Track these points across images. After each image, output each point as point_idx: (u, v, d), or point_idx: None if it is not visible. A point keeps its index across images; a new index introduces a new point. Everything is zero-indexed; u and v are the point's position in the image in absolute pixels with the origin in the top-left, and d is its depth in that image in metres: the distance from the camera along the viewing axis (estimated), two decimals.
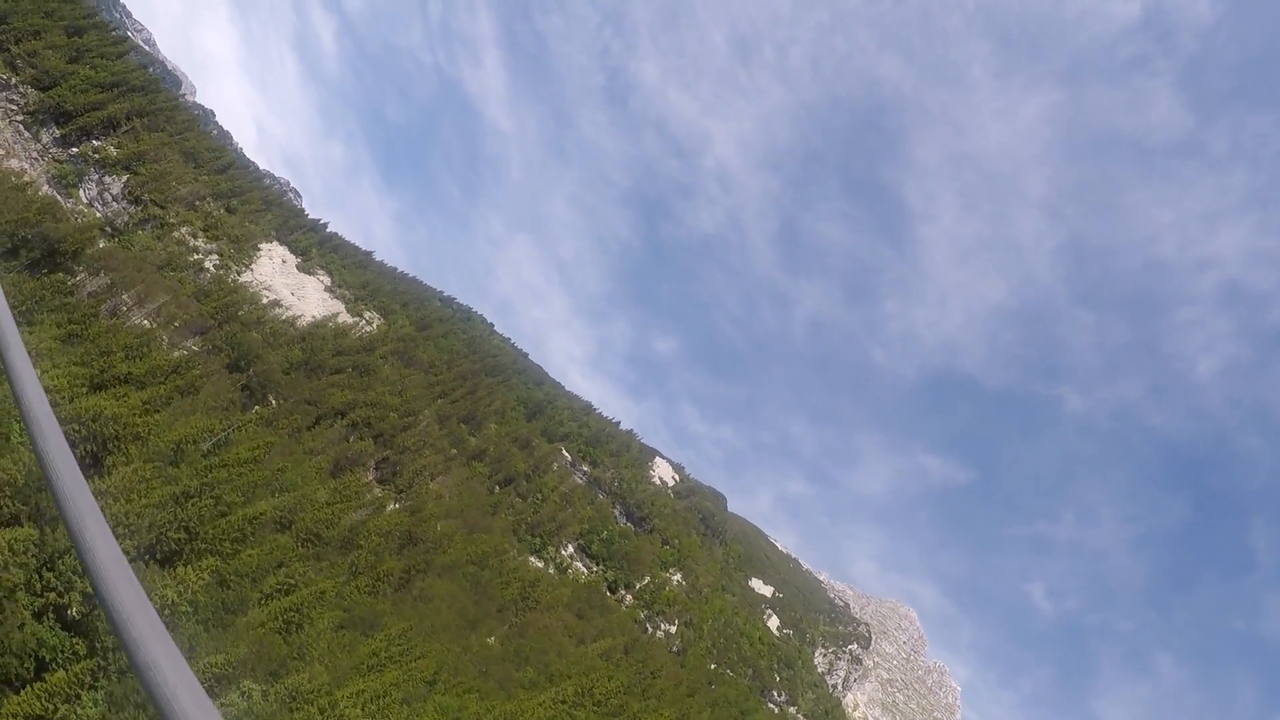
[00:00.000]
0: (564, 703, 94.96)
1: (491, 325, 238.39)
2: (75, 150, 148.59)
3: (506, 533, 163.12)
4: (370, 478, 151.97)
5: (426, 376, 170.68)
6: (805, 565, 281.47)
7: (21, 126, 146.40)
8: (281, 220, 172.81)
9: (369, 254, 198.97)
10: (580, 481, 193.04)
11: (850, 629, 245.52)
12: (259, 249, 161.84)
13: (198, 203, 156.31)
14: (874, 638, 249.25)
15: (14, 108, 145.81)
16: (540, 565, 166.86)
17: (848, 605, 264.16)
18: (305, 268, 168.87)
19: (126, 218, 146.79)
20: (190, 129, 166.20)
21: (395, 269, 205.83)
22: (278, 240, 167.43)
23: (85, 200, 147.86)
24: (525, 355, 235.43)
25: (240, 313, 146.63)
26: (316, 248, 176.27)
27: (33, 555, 47.35)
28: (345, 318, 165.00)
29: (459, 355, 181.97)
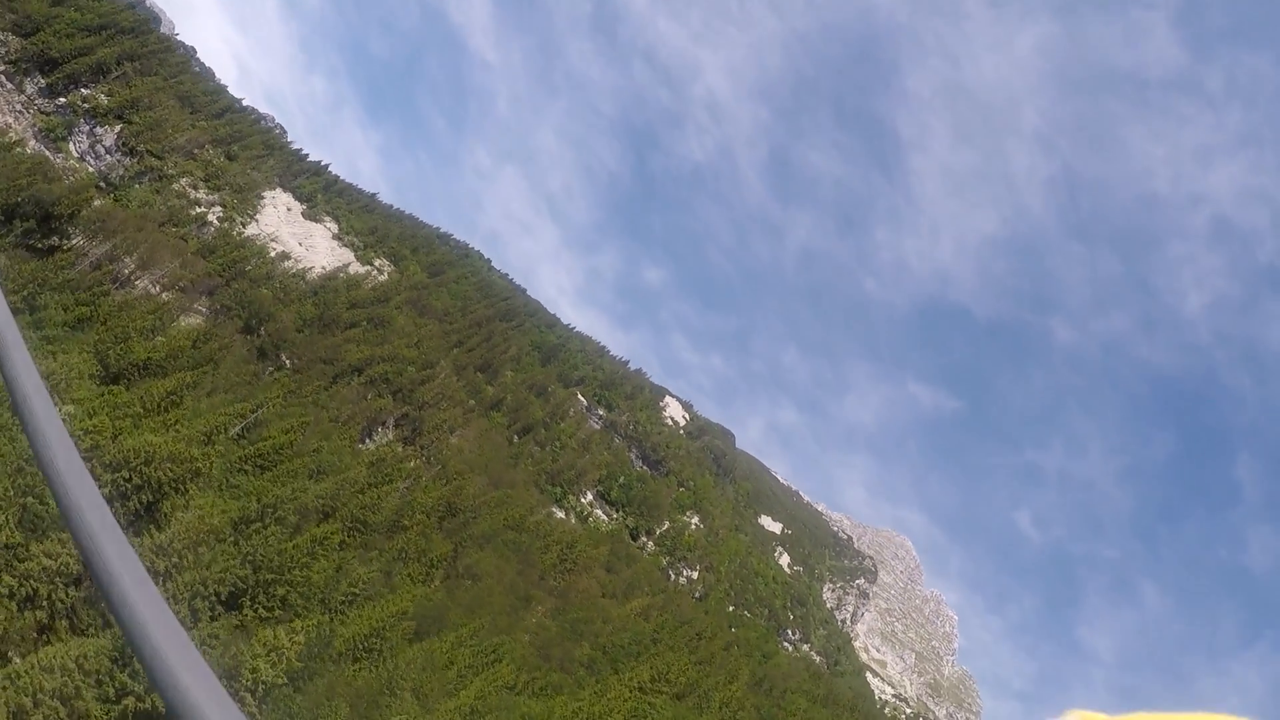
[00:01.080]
0: (642, 691, 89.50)
1: (489, 261, 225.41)
2: (63, 100, 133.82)
3: (529, 485, 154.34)
4: (390, 435, 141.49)
5: (441, 325, 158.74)
6: (805, 497, 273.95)
7: (3, 77, 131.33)
8: (284, 165, 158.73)
9: (373, 196, 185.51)
10: (596, 426, 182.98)
11: (855, 563, 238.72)
12: (262, 197, 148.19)
13: (196, 151, 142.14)
14: (878, 571, 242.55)
15: None
16: (562, 515, 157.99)
17: (850, 538, 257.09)
18: (311, 215, 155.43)
19: (122, 171, 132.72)
20: (184, 71, 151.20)
21: (400, 210, 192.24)
22: (281, 187, 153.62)
23: (76, 154, 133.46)
24: (524, 291, 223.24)
25: (248, 268, 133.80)
26: (321, 193, 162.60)
27: (106, 658, 36.64)
28: (356, 267, 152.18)
29: (472, 301, 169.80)
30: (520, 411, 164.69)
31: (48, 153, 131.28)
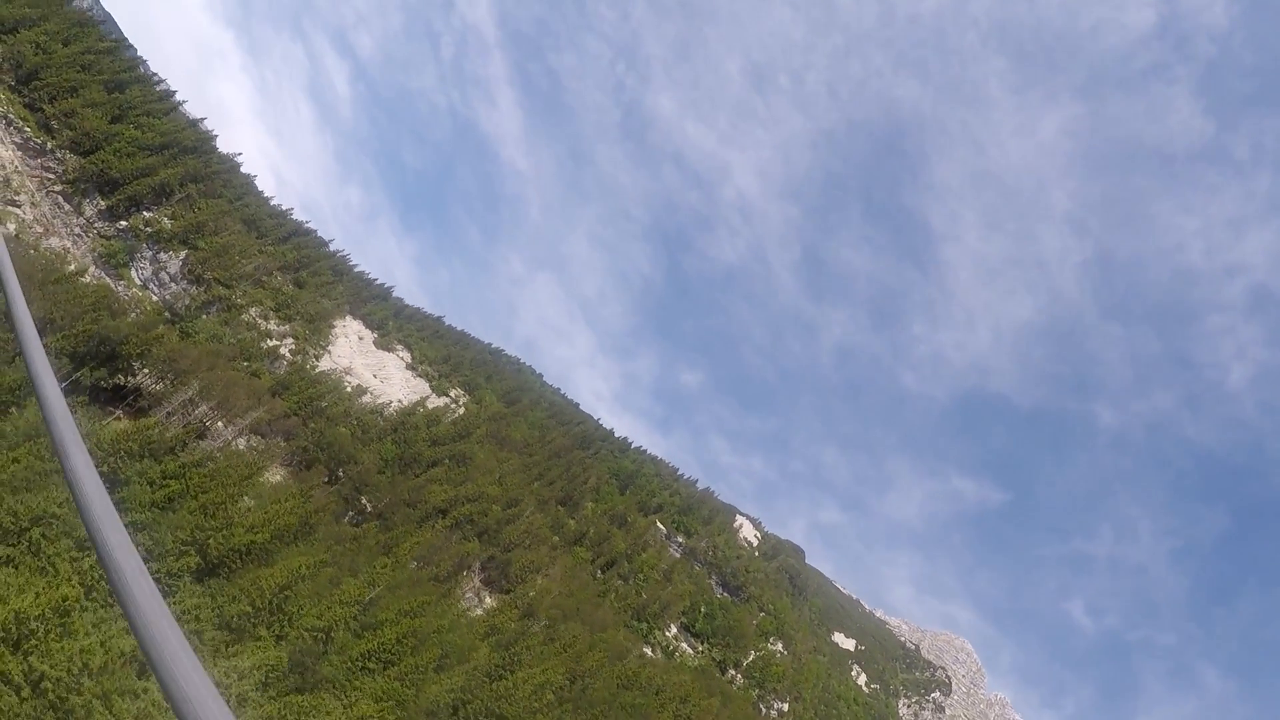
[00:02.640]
0: None
1: (540, 376, 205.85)
2: (124, 224, 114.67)
3: (619, 625, 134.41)
4: (478, 581, 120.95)
5: (522, 458, 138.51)
6: (865, 604, 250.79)
7: (61, 198, 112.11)
8: (353, 291, 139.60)
9: (440, 319, 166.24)
10: (676, 555, 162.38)
11: (927, 674, 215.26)
12: (333, 326, 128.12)
13: (264, 278, 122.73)
14: (951, 682, 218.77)
15: (51, 176, 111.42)
16: (650, 653, 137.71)
17: (917, 647, 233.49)
18: (383, 344, 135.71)
19: (188, 301, 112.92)
20: (248, 193, 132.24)
21: (466, 333, 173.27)
22: (351, 314, 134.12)
23: (139, 281, 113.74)
24: (576, 405, 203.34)
25: (324, 404, 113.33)
26: (392, 319, 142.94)
27: None
28: (433, 400, 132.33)
29: (549, 430, 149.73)
30: (603, 545, 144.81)
31: (109, 280, 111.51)
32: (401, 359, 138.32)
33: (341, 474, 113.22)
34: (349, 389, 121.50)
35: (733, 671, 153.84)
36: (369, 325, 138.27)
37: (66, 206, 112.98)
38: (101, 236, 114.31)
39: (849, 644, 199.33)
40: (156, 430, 71.66)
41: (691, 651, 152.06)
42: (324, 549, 79.94)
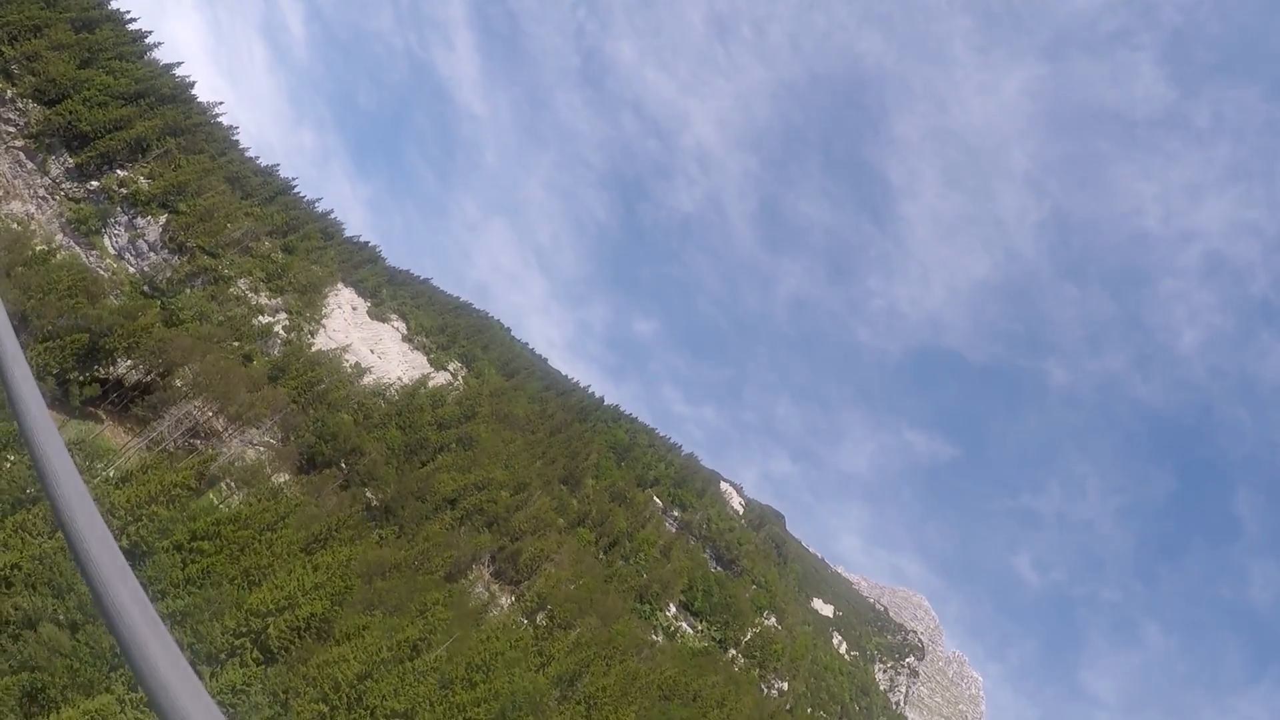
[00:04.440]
0: None
1: (509, 330, 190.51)
2: (95, 184, 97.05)
3: (630, 615, 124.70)
4: (487, 574, 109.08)
5: (525, 436, 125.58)
6: (829, 562, 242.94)
7: (23, 155, 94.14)
8: (344, 256, 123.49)
9: (427, 282, 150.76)
10: (672, 529, 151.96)
11: (900, 638, 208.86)
12: (326, 296, 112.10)
13: (252, 244, 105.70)
14: (924, 646, 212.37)
15: (11, 130, 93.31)
16: (655, 638, 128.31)
17: (886, 609, 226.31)
18: (377, 314, 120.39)
19: (169, 272, 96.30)
20: (231, 147, 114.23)
21: (452, 295, 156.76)
22: (343, 281, 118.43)
23: (113, 250, 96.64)
24: (545, 361, 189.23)
25: (324, 387, 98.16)
26: (385, 286, 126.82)
27: None
28: (434, 376, 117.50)
29: (548, 403, 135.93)
30: (605, 524, 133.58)
31: (79, 249, 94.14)
32: (397, 330, 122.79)
33: (345, 465, 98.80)
34: (348, 368, 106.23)
35: (733, 651, 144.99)
36: (361, 294, 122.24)
37: (29, 164, 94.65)
38: (70, 199, 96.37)
39: (827, 610, 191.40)
40: (170, 470, 56.47)
41: (692, 632, 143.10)
42: (367, 589, 65.94)
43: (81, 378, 74.91)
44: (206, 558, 48.96)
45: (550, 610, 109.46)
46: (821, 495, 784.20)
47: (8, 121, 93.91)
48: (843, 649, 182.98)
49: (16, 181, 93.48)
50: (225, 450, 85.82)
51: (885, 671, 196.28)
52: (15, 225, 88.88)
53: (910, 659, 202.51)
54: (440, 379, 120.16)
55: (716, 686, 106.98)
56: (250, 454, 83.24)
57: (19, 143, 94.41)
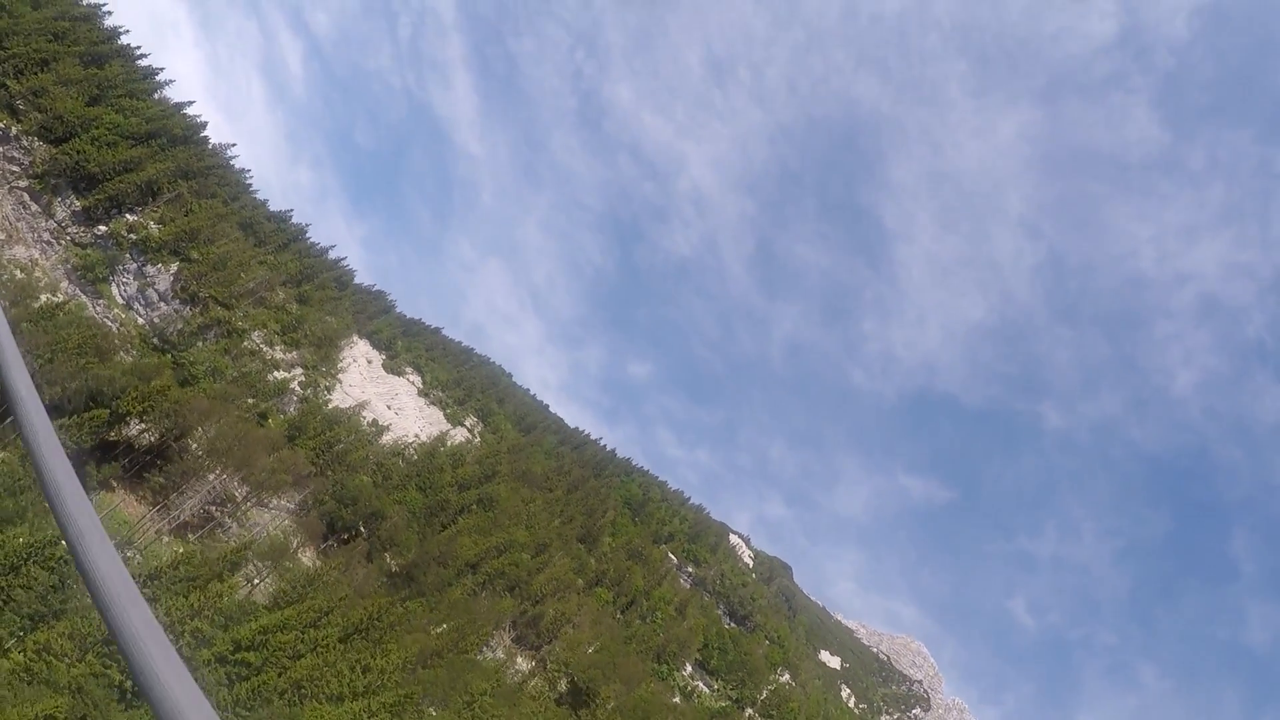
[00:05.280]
0: None
1: (510, 376, 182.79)
2: (103, 229, 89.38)
3: (650, 678, 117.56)
4: (508, 640, 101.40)
5: (543, 494, 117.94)
6: (829, 610, 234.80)
7: (27, 196, 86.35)
8: (358, 306, 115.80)
9: (438, 331, 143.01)
10: (686, 584, 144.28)
11: (904, 688, 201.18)
12: (342, 350, 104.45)
13: (266, 294, 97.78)
14: (930, 697, 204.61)
15: (16, 169, 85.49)
16: (674, 700, 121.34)
17: (889, 658, 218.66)
18: (393, 367, 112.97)
19: (180, 324, 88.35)
20: (243, 192, 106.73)
21: (461, 344, 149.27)
22: (358, 333, 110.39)
23: (121, 300, 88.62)
24: (547, 408, 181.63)
25: (340, 446, 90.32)
26: (400, 339, 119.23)
27: None
28: (452, 433, 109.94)
29: (564, 458, 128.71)
30: (622, 583, 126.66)
31: (85, 298, 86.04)
32: (412, 384, 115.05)
33: (365, 529, 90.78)
34: (366, 426, 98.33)
35: (750, 711, 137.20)
36: (376, 346, 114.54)
37: (34, 206, 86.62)
38: (76, 244, 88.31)
39: (834, 662, 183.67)
40: (199, 556, 48.55)
41: (708, 691, 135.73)
42: (411, 680, 57.88)
43: (100, 456, 66.75)
44: (254, 673, 41.13)
45: (573, 677, 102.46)
46: (816, 539, 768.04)
47: (12, 160, 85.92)
48: (851, 702, 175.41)
49: (20, 224, 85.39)
50: (245, 520, 77.67)
51: None
52: (19, 272, 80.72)
53: (916, 710, 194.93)
54: (458, 435, 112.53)
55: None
56: (272, 525, 75.13)
57: (23, 183, 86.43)
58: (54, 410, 61.32)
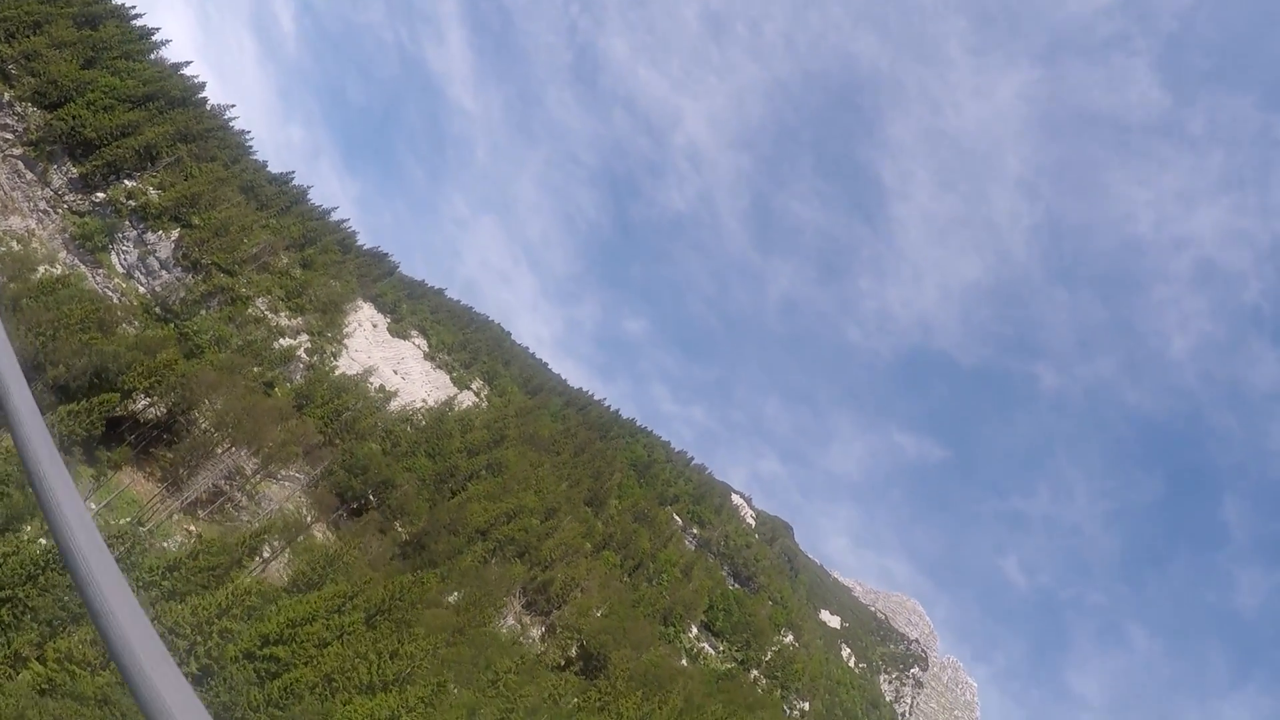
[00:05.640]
0: None
1: (509, 334, 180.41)
2: (101, 196, 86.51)
3: (657, 640, 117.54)
4: (519, 605, 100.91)
5: (550, 457, 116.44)
6: (828, 570, 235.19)
7: (21, 164, 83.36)
8: (362, 269, 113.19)
9: (442, 292, 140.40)
10: (691, 546, 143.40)
11: (902, 647, 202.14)
12: (347, 314, 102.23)
13: (269, 259, 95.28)
14: (928, 656, 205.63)
15: (9, 136, 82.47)
16: (682, 663, 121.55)
17: (887, 617, 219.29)
18: (398, 330, 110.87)
19: (183, 293, 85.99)
20: (244, 154, 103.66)
21: (461, 304, 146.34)
22: (362, 297, 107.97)
23: (121, 269, 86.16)
24: (546, 366, 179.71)
25: (349, 414, 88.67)
26: (405, 301, 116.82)
27: None
28: (459, 398, 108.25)
29: (570, 420, 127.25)
30: (629, 545, 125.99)
31: (84, 268, 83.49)
32: (418, 347, 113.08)
33: (374, 497, 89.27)
34: (373, 393, 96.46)
35: (755, 672, 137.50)
36: (381, 309, 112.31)
37: (29, 174, 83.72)
38: (73, 212, 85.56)
39: (834, 622, 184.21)
40: (218, 544, 46.87)
41: (714, 652, 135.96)
42: (436, 661, 56.55)
43: (107, 434, 64.73)
44: (284, 669, 39.58)
45: (583, 642, 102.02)
46: (810, 496, 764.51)
47: (5, 127, 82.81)
48: (851, 661, 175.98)
49: (15, 194, 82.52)
50: (255, 494, 76.02)
51: (890, 683, 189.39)
52: (15, 244, 78.08)
53: (915, 669, 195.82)
54: (465, 399, 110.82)
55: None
56: (284, 499, 73.51)
57: (17, 150, 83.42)
58: (61, 392, 59.30)
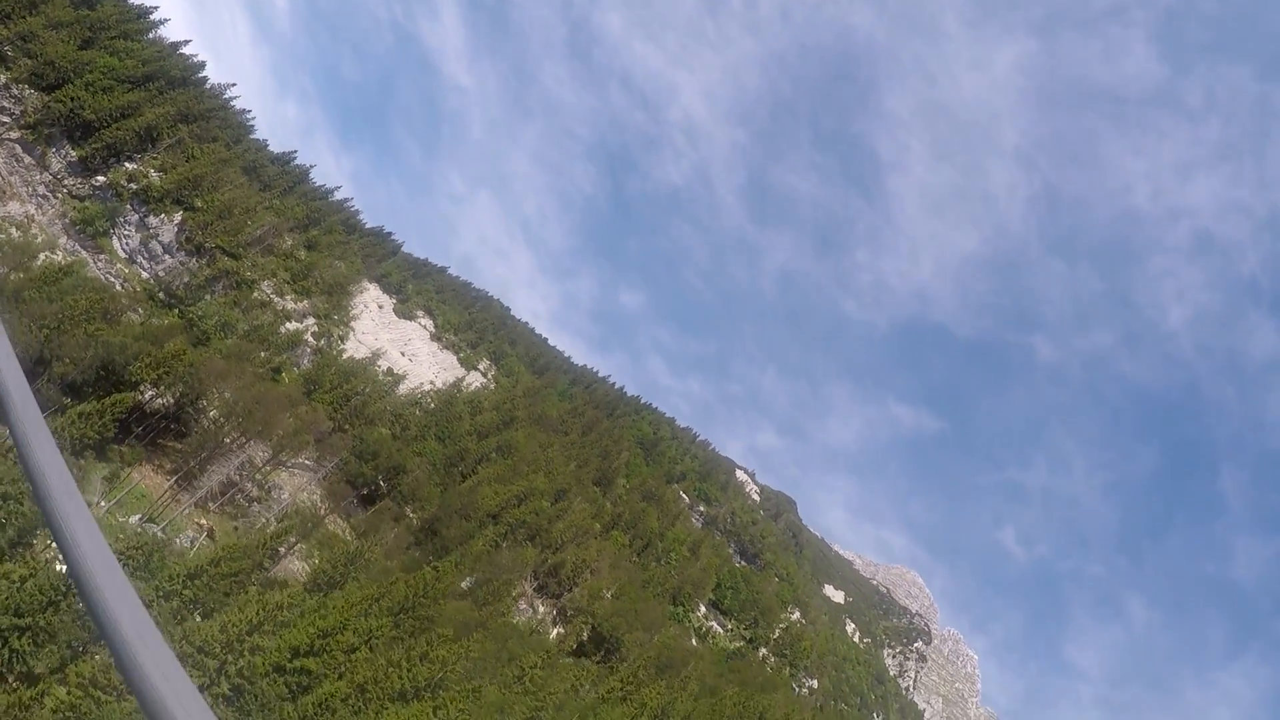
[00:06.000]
0: None
1: (508, 309, 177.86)
2: (102, 180, 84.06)
3: (668, 620, 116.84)
4: (529, 589, 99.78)
5: (559, 437, 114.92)
6: (829, 543, 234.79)
7: (19, 147, 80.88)
8: (366, 249, 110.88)
9: (445, 271, 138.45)
10: (698, 524, 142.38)
11: (905, 621, 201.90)
12: (353, 295, 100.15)
13: (274, 241, 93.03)
14: (930, 630, 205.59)
15: (6, 120, 79.92)
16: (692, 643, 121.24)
17: (889, 590, 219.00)
18: (404, 311, 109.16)
19: (187, 277, 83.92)
20: (245, 134, 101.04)
21: (468, 283, 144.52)
22: (367, 278, 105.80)
23: (123, 254, 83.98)
24: (534, 333, 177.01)
25: (356, 398, 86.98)
26: (411, 282, 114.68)
27: None
28: (466, 378, 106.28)
29: (576, 398, 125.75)
30: (638, 525, 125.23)
31: (85, 253, 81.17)
32: (424, 328, 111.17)
33: (385, 483, 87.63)
34: (381, 375, 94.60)
35: (764, 650, 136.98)
36: (387, 290, 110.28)
37: (27, 158, 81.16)
38: (74, 196, 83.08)
39: (838, 596, 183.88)
40: (238, 548, 45.12)
41: (722, 631, 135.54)
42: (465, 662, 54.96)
43: (118, 429, 62.73)
44: (316, 681, 37.88)
45: (595, 625, 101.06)
46: (808, 468, 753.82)
47: (2, 110, 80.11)
48: (855, 636, 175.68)
49: (13, 178, 79.99)
50: (266, 483, 74.22)
51: (894, 657, 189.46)
52: (15, 230, 75.69)
53: (918, 643, 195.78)
54: (472, 379, 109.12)
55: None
56: (296, 490, 71.81)
57: (14, 134, 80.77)
58: (69, 389, 57.23)
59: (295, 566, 61.03)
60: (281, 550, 54.37)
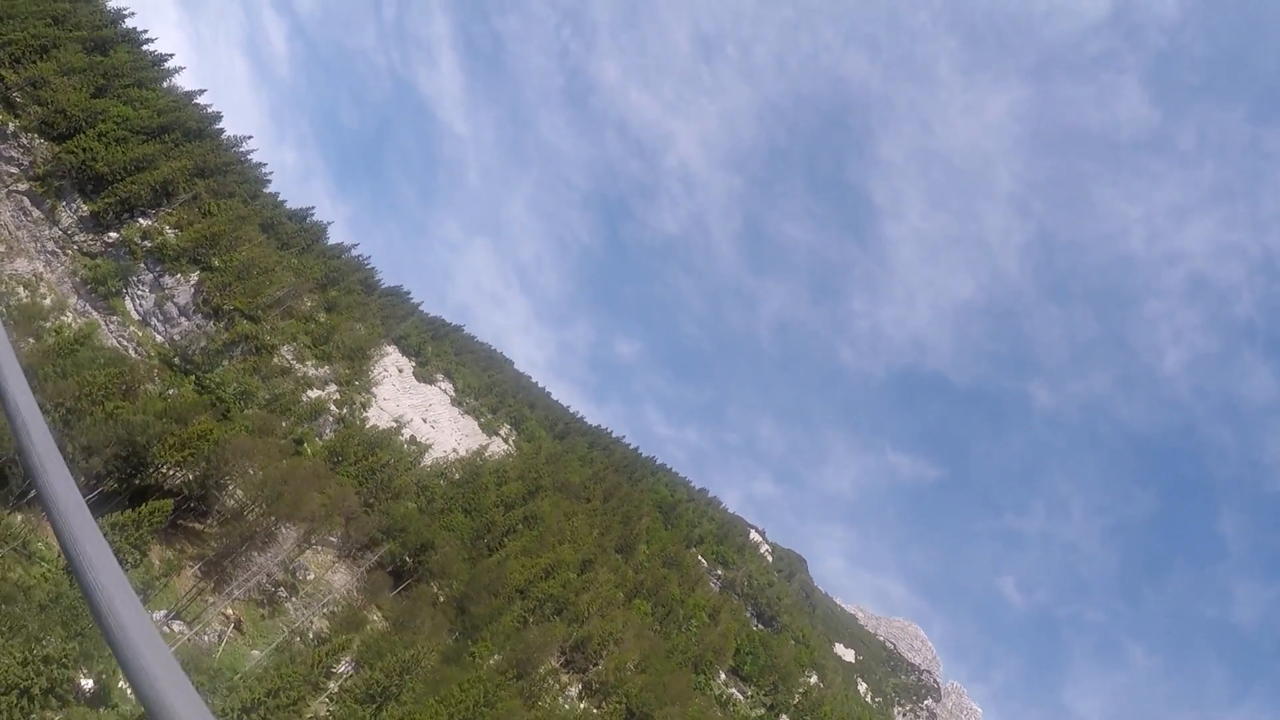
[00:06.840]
0: None
1: (511, 362, 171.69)
2: (114, 236, 77.23)
3: (692, 691, 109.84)
4: (556, 664, 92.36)
5: (582, 505, 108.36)
6: (834, 597, 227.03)
7: (27, 200, 73.99)
8: (385, 310, 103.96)
9: (460, 329, 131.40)
10: (716, 587, 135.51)
11: (914, 678, 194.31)
12: (373, 359, 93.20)
13: (293, 303, 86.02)
14: (939, 686, 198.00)
15: (14, 171, 72.90)
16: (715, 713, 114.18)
17: (895, 645, 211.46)
18: (424, 375, 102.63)
19: (204, 342, 76.81)
20: (260, 188, 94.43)
21: (484, 343, 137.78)
22: (387, 340, 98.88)
23: (137, 315, 76.78)
24: (548, 395, 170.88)
25: (381, 470, 79.70)
26: (430, 343, 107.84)
27: None
28: (489, 445, 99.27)
29: (596, 463, 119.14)
30: (659, 592, 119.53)
31: (96, 315, 73.92)
32: (445, 392, 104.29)
33: (412, 560, 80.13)
34: (405, 445, 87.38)
35: (785, 717, 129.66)
36: (405, 352, 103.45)
37: (35, 212, 73.97)
38: (84, 254, 75.86)
39: (848, 655, 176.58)
40: (288, 669, 37.95)
41: (742, 698, 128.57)
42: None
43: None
44: None
45: (627, 702, 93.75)
46: (804, 516, 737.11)
47: (10, 160, 73.10)
48: (867, 696, 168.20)
49: (21, 233, 72.76)
50: (290, 564, 66.63)
51: (904, 715, 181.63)
52: (22, 290, 68.41)
53: (928, 701, 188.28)
54: (494, 445, 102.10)
55: None
56: (334, 583, 64.30)
57: (23, 186, 73.68)
58: (93, 479, 49.84)
59: (345, 671, 53.35)
60: (337, 668, 46.98)
